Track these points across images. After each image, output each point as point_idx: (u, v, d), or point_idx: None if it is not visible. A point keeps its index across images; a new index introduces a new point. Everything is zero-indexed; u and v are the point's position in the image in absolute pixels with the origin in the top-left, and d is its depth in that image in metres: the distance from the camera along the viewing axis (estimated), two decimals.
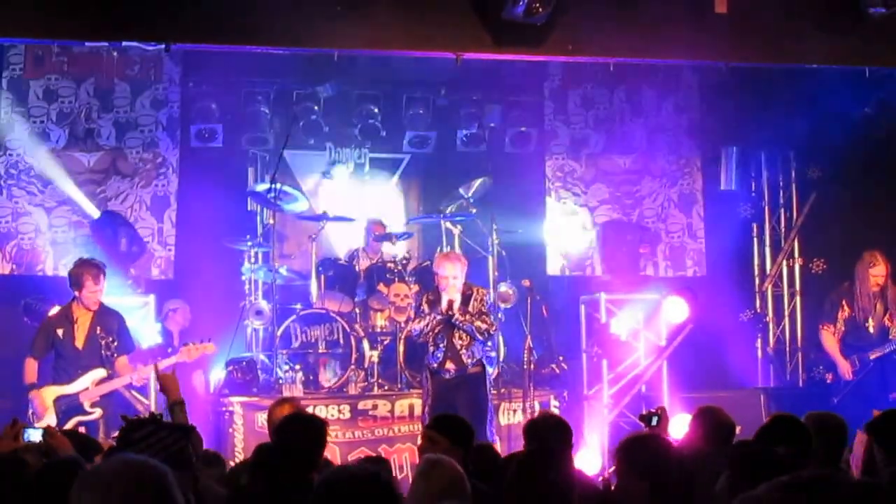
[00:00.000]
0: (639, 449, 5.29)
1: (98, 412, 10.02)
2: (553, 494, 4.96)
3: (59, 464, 4.97)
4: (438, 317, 10.43)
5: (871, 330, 11.25)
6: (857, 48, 10.53)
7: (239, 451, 10.80)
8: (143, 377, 10.52)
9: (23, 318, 11.65)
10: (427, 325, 10.48)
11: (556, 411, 11.31)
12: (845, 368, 11.18)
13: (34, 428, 6.66)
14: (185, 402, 6.65)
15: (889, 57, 10.72)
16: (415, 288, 12.09)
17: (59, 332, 10.35)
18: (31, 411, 10.04)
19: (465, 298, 10.58)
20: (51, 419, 9.90)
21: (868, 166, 12.67)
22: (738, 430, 7.30)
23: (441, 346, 10.44)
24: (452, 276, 10.45)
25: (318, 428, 6.03)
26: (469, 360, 10.46)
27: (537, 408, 11.20)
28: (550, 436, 6.44)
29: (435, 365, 10.49)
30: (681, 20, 10.19)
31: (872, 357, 11.11)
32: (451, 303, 10.36)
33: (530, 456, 5.36)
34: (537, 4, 9.45)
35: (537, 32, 9.87)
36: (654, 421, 7.33)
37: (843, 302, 11.39)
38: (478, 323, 10.44)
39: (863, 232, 12.42)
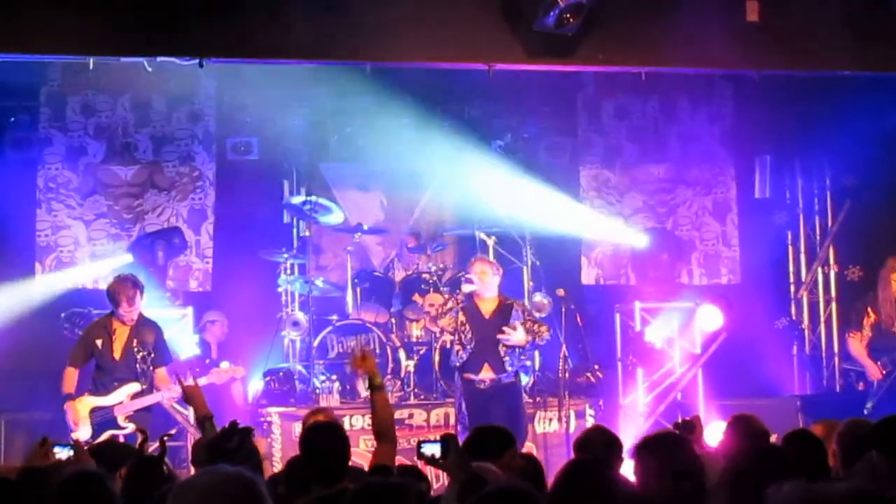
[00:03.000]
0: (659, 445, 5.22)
1: (131, 427, 10.05)
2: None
3: (80, 476, 4.96)
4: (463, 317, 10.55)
5: None
6: (890, 54, 10.46)
7: (277, 460, 10.80)
8: (178, 392, 10.59)
9: (62, 330, 11.71)
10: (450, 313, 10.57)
11: (591, 420, 11.30)
12: (874, 370, 11.14)
13: (62, 446, 6.67)
14: (213, 415, 6.63)
15: None
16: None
17: (98, 342, 10.46)
18: (68, 422, 10.12)
19: (505, 309, 10.69)
20: (85, 430, 9.97)
21: None
22: (773, 437, 7.22)
23: (469, 347, 10.49)
24: (481, 272, 10.65)
25: (338, 435, 5.98)
26: (510, 369, 10.62)
27: (573, 416, 11.19)
28: (601, 450, 6.39)
29: (459, 363, 10.63)
30: (713, 29, 10.13)
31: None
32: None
33: (582, 464, 5.29)
34: (568, 15, 9.44)
35: (568, 43, 9.87)
36: (689, 430, 7.24)
37: (869, 308, 11.37)
38: (545, 334, 10.80)
39: None
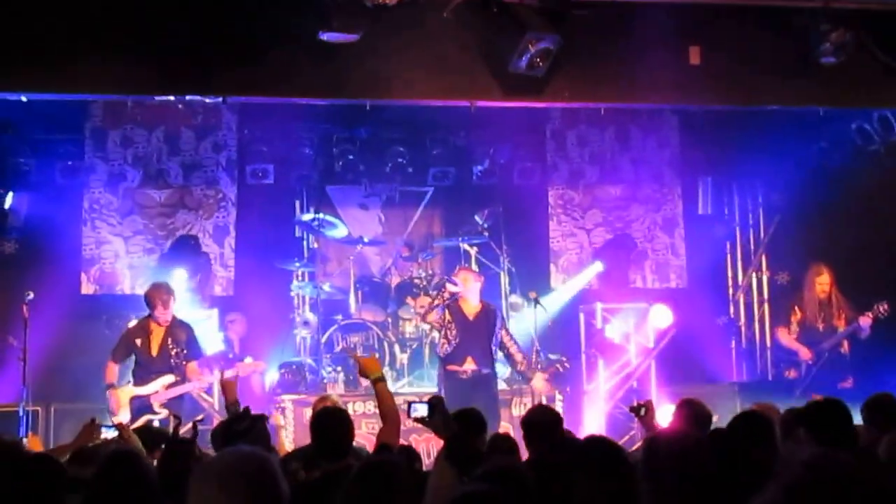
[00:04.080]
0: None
1: (165, 412, 10.08)
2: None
3: (119, 453, 4.93)
4: (449, 317, 10.56)
5: (821, 329, 11.30)
6: (812, 92, 10.52)
7: (290, 441, 10.82)
8: (206, 382, 10.67)
9: (104, 330, 11.73)
10: (436, 310, 10.59)
11: (560, 404, 11.34)
12: (805, 351, 11.22)
13: (108, 427, 6.71)
14: (239, 402, 6.66)
15: (839, 99, 10.74)
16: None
17: (138, 341, 10.49)
18: (110, 408, 10.14)
19: (489, 313, 10.74)
20: (125, 415, 10.00)
21: (823, 192, 12.64)
22: (715, 418, 7.29)
23: (454, 342, 10.49)
24: (464, 279, 10.69)
25: (343, 418, 6.02)
26: (494, 361, 10.72)
27: (544, 401, 11.22)
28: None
29: (443, 355, 10.61)
30: (661, 70, 10.18)
31: (826, 346, 11.16)
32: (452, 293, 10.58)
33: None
34: (538, 59, 9.48)
35: (539, 83, 9.89)
36: (643, 412, 7.27)
37: (796, 307, 11.48)
38: (519, 357, 10.80)
39: (819, 248, 12.41)
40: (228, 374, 7.19)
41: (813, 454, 2.92)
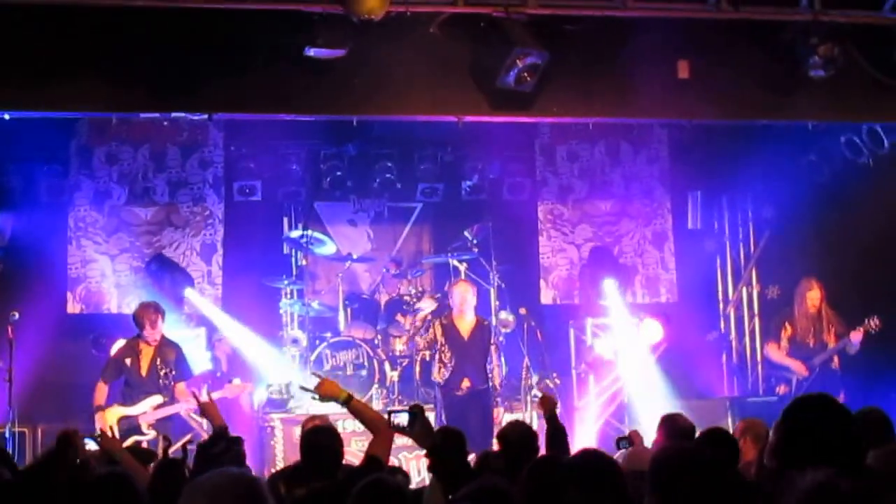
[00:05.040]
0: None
1: (153, 433, 10.05)
2: None
3: (111, 476, 4.88)
4: (442, 339, 10.51)
5: (812, 344, 11.32)
6: (801, 106, 10.55)
7: (280, 460, 10.82)
8: (194, 404, 10.61)
9: (91, 350, 11.69)
10: (431, 341, 10.53)
11: None
12: (799, 366, 11.23)
13: (91, 438, 6.66)
14: (227, 426, 6.62)
15: (828, 113, 10.79)
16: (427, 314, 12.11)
17: (127, 361, 10.52)
18: (97, 430, 10.08)
19: (484, 329, 10.79)
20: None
21: (813, 205, 12.66)
22: (697, 433, 7.28)
23: (450, 366, 10.47)
24: (469, 298, 10.69)
25: (333, 436, 6.01)
26: (490, 377, 10.76)
27: (535, 417, 11.22)
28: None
29: (441, 382, 10.57)
30: (649, 84, 10.19)
31: (817, 361, 11.18)
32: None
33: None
34: (525, 74, 9.48)
35: (526, 98, 9.90)
36: (625, 444, 7.22)
37: (786, 322, 11.52)
38: (496, 371, 10.91)
39: (809, 262, 12.44)
40: (204, 397, 7.09)
41: (814, 481, 2.90)
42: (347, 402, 6.34)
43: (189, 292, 12.28)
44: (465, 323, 10.74)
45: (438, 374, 10.62)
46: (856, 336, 11.08)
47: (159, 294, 11.67)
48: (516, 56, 9.39)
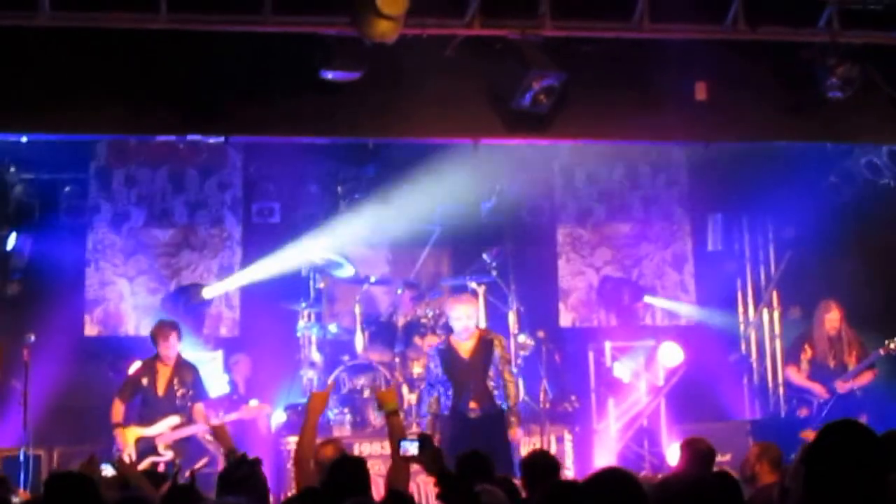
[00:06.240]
0: None
1: (170, 454, 10.11)
2: None
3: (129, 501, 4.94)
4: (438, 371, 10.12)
5: (832, 366, 11.28)
6: (820, 127, 10.55)
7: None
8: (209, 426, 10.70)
9: (108, 373, 11.76)
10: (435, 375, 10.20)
11: (569, 444, 11.31)
12: (819, 389, 11.20)
13: (108, 463, 6.71)
14: (237, 450, 6.64)
15: (847, 134, 10.78)
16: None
17: (144, 381, 10.62)
18: (115, 447, 10.16)
19: (486, 345, 10.05)
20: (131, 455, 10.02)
21: (834, 226, 12.63)
22: (728, 457, 7.32)
23: (448, 393, 9.96)
24: (466, 317, 10.02)
25: (363, 468, 6.03)
26: (499, 402, 9.91)
27: (553, 441, 11.21)
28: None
29: (449, 406, 9.96)
30: (668, 106, 10.24)
31: (839, 387, 11.13)
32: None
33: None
34: (542, 96, 9.50)
35: (543, 119, 9.92)
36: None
37: (806, 345, 11.46)
38: (511, 389, 9.98)
39: (830, 283, 12.40)
40: (214, 421, 7.14)
41: None
42: (391, 413, 6.49)
43: (206, 290, 12.32)
44: (466, 343, 10.13)
45: (436, 404, 10.06)
46: (885, 351, 11.10)
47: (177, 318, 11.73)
48: (532, 78, 9.41)
